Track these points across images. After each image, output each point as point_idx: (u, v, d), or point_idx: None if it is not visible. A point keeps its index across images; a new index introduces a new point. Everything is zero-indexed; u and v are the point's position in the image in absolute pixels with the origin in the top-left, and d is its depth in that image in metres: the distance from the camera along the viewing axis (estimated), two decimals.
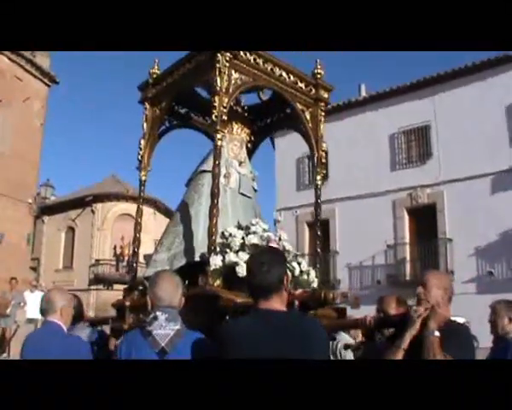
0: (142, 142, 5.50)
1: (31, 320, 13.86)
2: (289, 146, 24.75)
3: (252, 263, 2.71)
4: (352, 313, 20.63)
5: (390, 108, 22.45)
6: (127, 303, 4.86)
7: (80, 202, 32.76)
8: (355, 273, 22.78)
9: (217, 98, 4.56)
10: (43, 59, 21.17)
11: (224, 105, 4.57)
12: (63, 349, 3.43)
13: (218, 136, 4.63)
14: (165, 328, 2.78)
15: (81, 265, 31.61)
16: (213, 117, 4.61)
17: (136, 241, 5.55)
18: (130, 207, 28.48)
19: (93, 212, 32.42)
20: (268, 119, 6.10)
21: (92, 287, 30.56)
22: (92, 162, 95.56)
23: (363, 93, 24.73)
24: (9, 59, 19.96)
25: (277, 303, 2.58)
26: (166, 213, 33.18)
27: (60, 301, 3.67)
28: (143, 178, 5.54)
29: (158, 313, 2.82)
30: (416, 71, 42.78)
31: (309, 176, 24.43)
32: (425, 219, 21.58)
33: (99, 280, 30.46)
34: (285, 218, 24.50)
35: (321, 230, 5.62)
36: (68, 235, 33.37)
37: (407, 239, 21.95)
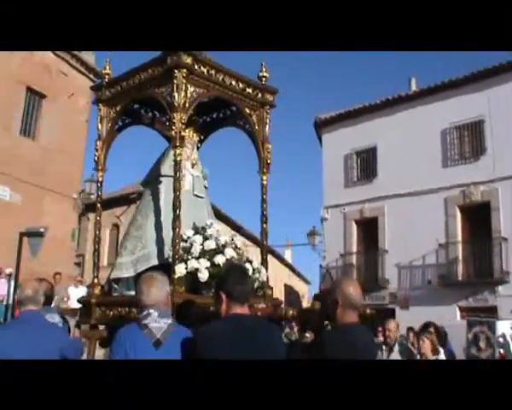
0: (99, 143, 5.65)
1: None
2: (336, 142, 24.37)
3: (231, 277, 3.17)
4: (401, 314, 20.25)
5: (441, 103, 21.62)
6: (93, 300, 5.19)
7: (125, 200, 32.54)
8: (404, 273, 22.15)
9: (175, 115, 4.81)
10: (88, 54, 21.47)
11: (183, 121, 4.84)
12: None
13: (178, 151, 4.90)
14: (160, 322, 3.15)
15: None
16: (173, 133, 4.85)
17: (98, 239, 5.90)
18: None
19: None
20: (214, 114, 6.24)
21: None
22: (136, 160, 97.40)
23: (414, 87, 24.02)
24: (54, 54, 20.39)
25: (246, 309, 3.09)
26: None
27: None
28: (100, 179, 5.71)
29: (151, 310, 3.18)
30: (469, 64, 41.18)
31: (357, 172, 23.98)
32: (478, 218, 20.76)
33: None
34: (332, 215, 24.16)
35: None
36: (113, 232, 33.37)
37: (459, 238, 21.13)
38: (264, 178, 5.75)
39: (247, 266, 5.04)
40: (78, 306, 5.66)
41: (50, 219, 16.83)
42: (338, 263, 23.82)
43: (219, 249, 4.86)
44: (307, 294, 58.23)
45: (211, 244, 4.84)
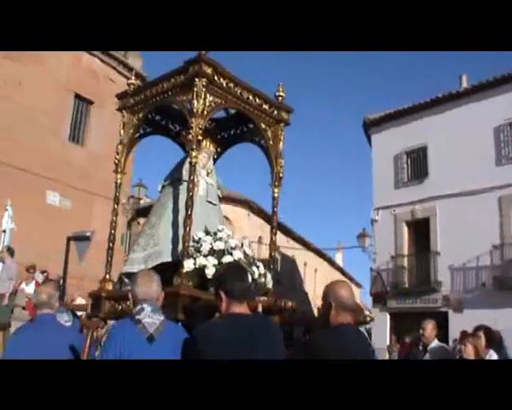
0: (120, 147, 5.91)
1: None
2: (386, 143, 23.98)
3: (230, 275, 3.31)
4: (455, 318, 19.68)
5: (494, 99, 20.92)
6: (103, 294, 5.35)
7: None
8: (458, 275, 21.54)
9: (194, 120, 5.02)
10: (135, 60, 21.79)
11: (200, 127, 5.04)
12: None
13: (194, 154, 5.08)
14: (153, 318, 3.25)
15: None
16: (190, 137, 5.06)
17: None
18: (225, 209, 28.16)
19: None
20: (232, 131, 6.49)
21: None
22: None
23: (465, 84, 23.36)
24: (101, 60, 20.76)
25: (246, 308, 3.17)
26: (260, 213, 33.25)
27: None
28: (119, 181, 5.99)
29: (144, 305, 3.28)
30: None
31: (407, 173, 23.49)
32: None
33: None
34: (382, 217, 23.76)
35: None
36: None
37: None
38: (276, 190, 5.94)
39: (254, 270, 5.18)
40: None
41: (99, 223, 17.08)
42: (389, 265, 23.44)
43: (228, 251, 5.03)
44: (358, 297, 57.77)
45: (220, 245, 5.02)
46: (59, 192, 18.87)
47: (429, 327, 6.90)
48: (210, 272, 4.76)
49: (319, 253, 43.56)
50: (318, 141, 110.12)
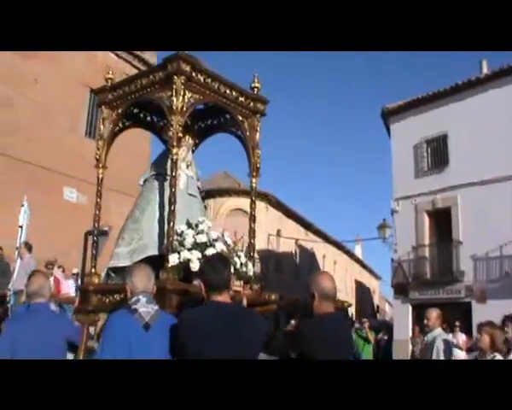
0: (100, 142, 6.11)
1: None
2: (406, 132, 23.68)
3: (208, 266, 3.53)
4: (478, 308, 19.38)
5: None
6: (91, 288, 5.55)
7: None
8: (481, 265, 21.23)
9: (173, 117, 5.16)
10: (151, 54, 21.62)
11: (180, 124, 5.19)
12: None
13: (175, 151, 5.20)
14: (147, 307, 3.52)
15: None
16: (170, 134, 5.19)
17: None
18: (242, 202, 28.55)
19: (205, 207, 32.25)
20: (209, 121, 6.61)
21: None
22: (202, 158, 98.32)
23: (485, 70, 22.98)
24: (117, 55, 20.65)
25: (226, 297, 3.40)
26: (278, 206, 33.60)
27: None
28: (101, 175, 6.17)
29: (140, 296, 3.56)
30: None
31: (428, 162, 23.17)
32: None
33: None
34: (403, 207, 23.48)
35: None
36: None
37: None
38: (254, 180, 6.10)
39: (236, 260, 5.37)
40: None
41: (117, 218, 17.01)
42: (410, 256, 23.19)
43: (210, 243, 5.20)
44: (378, 289, 57.57)
45: (202, 238, 5.18)
46: (76, 188, 18.86)
47: (433, 316, 6.94)
48: (194, 265, 4.92)
49: (338, 245, 43.78)
50: (336, 133, 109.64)
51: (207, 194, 31.92)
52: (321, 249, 41.11)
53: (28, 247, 12.25)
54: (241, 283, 5.49)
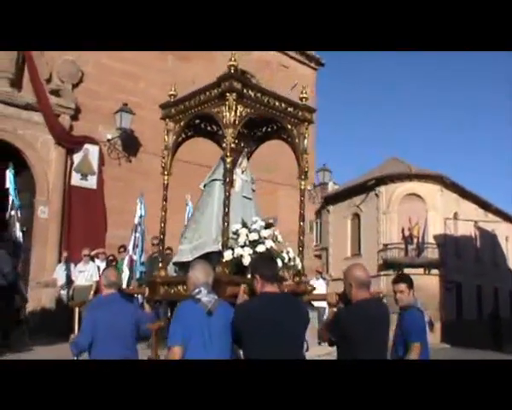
0: (165, 151, 6.68)
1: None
2: None
3: (261, 262, 4.26)
4: None
5: None
6: (158, 280, 6.26)
7: (363, 188, 32.52)
8: None
9: (227, 130, 5.78)
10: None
11: (233, 135, 5.77)
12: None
13: (228, 159, 5.83)
14: (208, 297, 4.12)
15: (369, 251, 31.38)
16: (224, 145, 5.87)
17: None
18: (416, 187, 27.84)
19: (377, 196, 31.79)
20: (264, 128, 7.19)
21: (381, 273, 29.85)
22: (369, 145, 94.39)
23: None
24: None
25: (276, 288, 4.04)
26: (453, 188, 31.60)
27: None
28: (166, 182, 6.76)
29: (202, 288, 4.15)
30: None
31: None
32: None
33: (388, 265, 29.93)
34: None
35: None
36: (354, 222, 33.51)
37: None
38: (303, 183, 6.69)
39: (284, 255, 5.98)
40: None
41: (286, 212, 15.99)
42: None
43: (261, 241, 5.80)
44: None
45: (254, 236, 5.80)
46: None
47: None
48: (246, 260, 5.57)
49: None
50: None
51: (378, 181, 31.09)
52: (503, 230, 38.45)
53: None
54: (290, 274, 6.12)
